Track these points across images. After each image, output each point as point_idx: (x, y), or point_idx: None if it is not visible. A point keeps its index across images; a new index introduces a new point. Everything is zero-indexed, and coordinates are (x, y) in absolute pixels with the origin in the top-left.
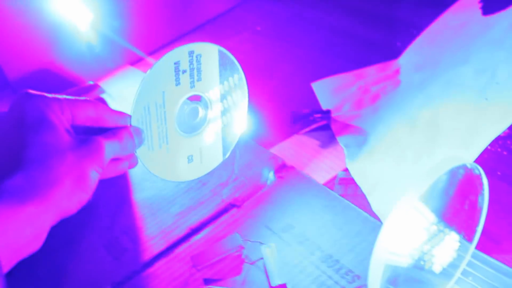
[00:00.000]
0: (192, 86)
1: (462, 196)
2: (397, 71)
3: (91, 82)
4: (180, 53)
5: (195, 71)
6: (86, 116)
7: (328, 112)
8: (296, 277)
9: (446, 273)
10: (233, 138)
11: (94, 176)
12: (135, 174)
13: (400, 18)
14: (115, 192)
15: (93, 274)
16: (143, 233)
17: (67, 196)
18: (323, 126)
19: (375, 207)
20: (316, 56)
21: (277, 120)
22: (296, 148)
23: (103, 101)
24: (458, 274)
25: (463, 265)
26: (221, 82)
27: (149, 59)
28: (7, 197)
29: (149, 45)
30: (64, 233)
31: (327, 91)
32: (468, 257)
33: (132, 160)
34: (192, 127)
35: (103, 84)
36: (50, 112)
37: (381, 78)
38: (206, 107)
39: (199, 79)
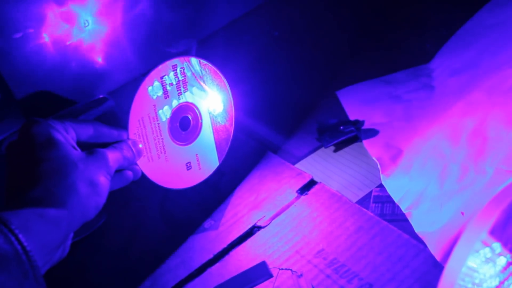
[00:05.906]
0: (180, 97)
1: None
2: (430, 76)
3: (102, 96)
4: (164, 68)
5: (180, 83)
6: (88, 134)
7: (356, 122)
8: None
9: None
10: (225, 142)
11: (104, 181)
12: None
13: (427, 18)
14: (130, 214)
15: None
16: (161, 261)
17: (83, 200)
18: (352, 138)
19: (418, 229)
20: (339, 62)
21: (301, 132)
22: (324, 162)
23: (114, 115)
24: None
25: None
26: (206, 90)
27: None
28: (32, 205)
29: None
30: (76, 259)
31: (353, 100)
32: None
33: (136, 171)
34: (186, 135)
35: (113, 96)
36: (56, 132)
37: (412, 84)
38: (195, 115)
39: (185, 90)
